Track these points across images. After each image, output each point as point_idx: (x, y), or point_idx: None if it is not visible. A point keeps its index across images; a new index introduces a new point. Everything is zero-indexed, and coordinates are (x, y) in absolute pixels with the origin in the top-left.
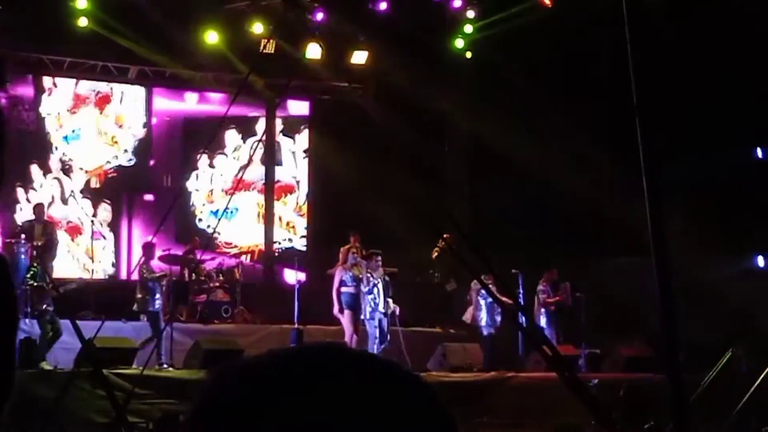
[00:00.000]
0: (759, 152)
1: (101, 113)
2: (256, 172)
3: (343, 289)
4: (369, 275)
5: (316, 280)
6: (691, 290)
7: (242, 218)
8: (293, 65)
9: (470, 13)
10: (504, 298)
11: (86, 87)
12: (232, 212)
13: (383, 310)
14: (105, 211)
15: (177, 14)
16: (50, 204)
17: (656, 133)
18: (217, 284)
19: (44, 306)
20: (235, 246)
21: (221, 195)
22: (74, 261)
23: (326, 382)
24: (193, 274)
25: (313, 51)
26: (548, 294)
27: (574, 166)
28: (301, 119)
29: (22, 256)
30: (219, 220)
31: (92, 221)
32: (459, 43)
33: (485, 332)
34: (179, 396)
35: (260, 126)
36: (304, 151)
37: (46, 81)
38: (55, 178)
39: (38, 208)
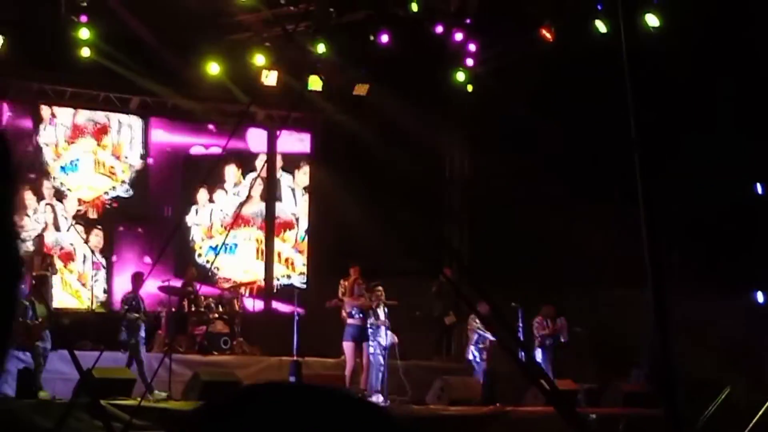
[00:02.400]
0: (759, 188)
1: (99, 144)
2: (255, 208)
3: (350, 321)
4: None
5: (315, 314)
6: (690, 325)
7: (241, 254)
8: (294, 97)
9: (471, 47)
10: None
11: (84, 117)
12: (231, 248)
13: (382, 343)
14: (96, 237)
15: (179, 45)
16: (43, 230)
17: (655, 167)
18: (217, 315)
19: (38, 342)
20: (234, 282)
21: (220, 230)
22: (67, 287)
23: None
24: (193, 306)
25: (314, 83)
26: (543, 326)
27: (574, 199)
28: (301, 156)
29: (22, 287)
30: (216, 255)
31: (92, 250)
32: (460, 76)
33: (478, 367)
34: (177, 427)
35: (260, 161)
36: (304, 188)
37: (45, 111)
38: (48, 204)
39: (38, 240)
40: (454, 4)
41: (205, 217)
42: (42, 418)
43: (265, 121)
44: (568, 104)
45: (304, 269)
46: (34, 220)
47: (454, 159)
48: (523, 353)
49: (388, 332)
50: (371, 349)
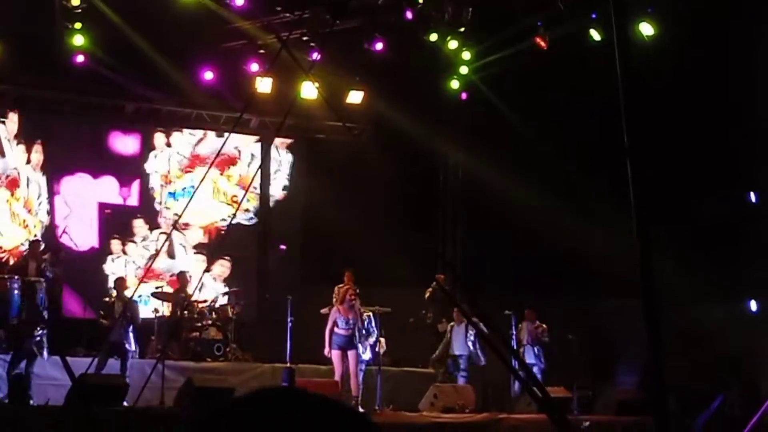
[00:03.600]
0: (752, 196)
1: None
2: (210, 146)
3: (336, 330)
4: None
5: (308, 321)
6: (683, 334)
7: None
8: (288, 105)
9: (466, 55)
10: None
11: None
12: (188, 191)
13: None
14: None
15: (173, 52)
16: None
17: (649, 176)
18: (210, 322)
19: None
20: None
21: (179, 175)
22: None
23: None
24: (186, 312)
25: (309, 91)
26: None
27: (568, 207)
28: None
29: (15, 292)
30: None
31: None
32: (454, 84)
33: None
34: None
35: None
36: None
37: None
38: (163, 232)
39: (33, 245)
40: (449, 12)
41: (164, 163)
42: (35, 424)
43: (258, 129)
44: (563, 112)
45: (249, 206)
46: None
47: (448, 166)
48: (516, 361)
49: (381, 339)
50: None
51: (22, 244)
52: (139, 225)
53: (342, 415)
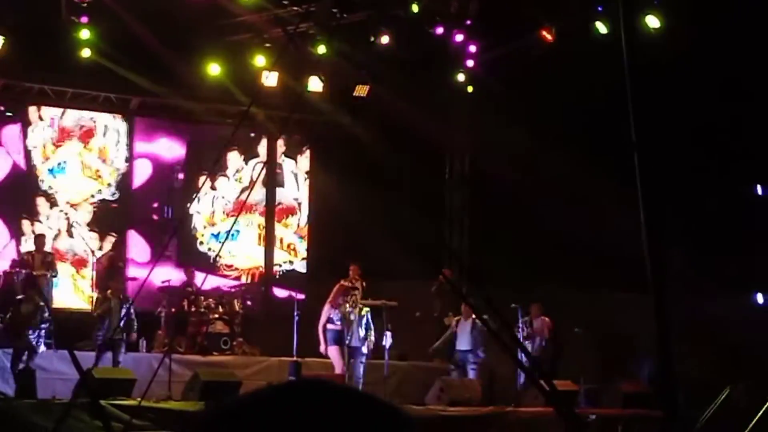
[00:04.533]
0: (759, 189)
1: (85, 147)
2: (257, 194)
3: (330, 326)
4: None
5: (315, 314)
6: (690, 327)
7: (243, 241)
8: (295, 98)
9: (472, 48)
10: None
11: (71, 119)
12: (233, 235)
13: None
14: (110, 243)
15: (179, 46)
16: (57, 236)
17: (656, 168)
18: (217, 316)
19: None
20: (236, 269)
21: (223, 218)
22: (78, 293)
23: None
24: (192, 306)
25: (315, 84)
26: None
27: (575, 199)
28: (302, 142)
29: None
30: (222, 243)
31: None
32: (460, 77)
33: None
34: (177, 427)
35: (262, 147)
36: (306, 173)
37: (32, 113)
38: (62, 210)
39: (39, 239)
40: (455, 5)
41: (207, 205)
42: (41, 418)
43: (265, 123)
44: (569, 105)
45: (306, 254)
46: (47, 226)
47: (454, 160)
48: (522, 354)
49: (387, 332)
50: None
51: (92, 195)
52: (42, 203)
53: (377, 407)
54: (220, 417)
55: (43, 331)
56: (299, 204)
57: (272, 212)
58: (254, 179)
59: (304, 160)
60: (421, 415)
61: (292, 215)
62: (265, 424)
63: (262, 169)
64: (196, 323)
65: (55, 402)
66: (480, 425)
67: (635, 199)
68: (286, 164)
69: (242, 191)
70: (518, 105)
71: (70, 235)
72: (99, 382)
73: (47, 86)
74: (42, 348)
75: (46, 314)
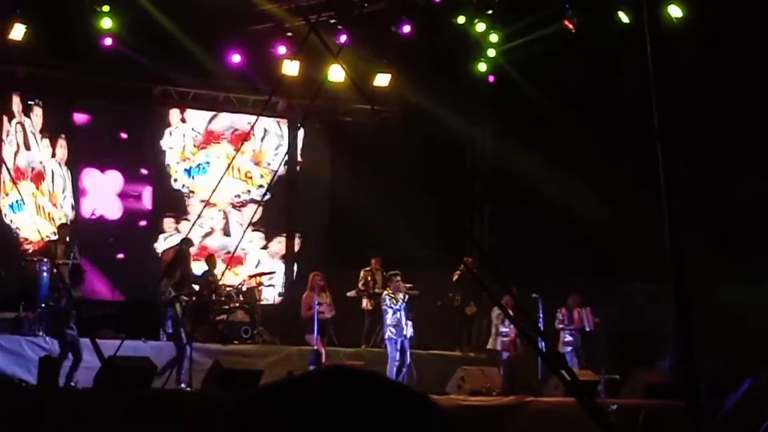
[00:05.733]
0: None
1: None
2: (223, 122)
3: (310, 313)
4: (389, 296)
5: (335, 304)
6: (712, 315)
7: (213, 174)
8: (316, 87)
9: (493, 37)
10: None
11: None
12: (204, 168)
13: (405, 334)
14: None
15: (201, 35)
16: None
17: (677, 158)
18: (237, 305)
19: (64, 328)
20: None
21: (194, 151)
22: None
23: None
24: (213, 295)
25: (336, 73)
26: (560, 320)
27: (596, 189)
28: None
29: (44, 275)
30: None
31: None
32: (482, 66)
33: (503, 356)
34: (198, 416)
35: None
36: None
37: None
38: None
39: (61, 229)
40: None
41: (178, 139)
42: (62, 406)
43: (286, 111)
44: (590, 94)
45: (263, 181)
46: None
47: (475, 149)
48: (543, 343)
49: (409, 322)
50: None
51: (47, 236)
52: (194, 203)
53: (403, 394)
54: (246, 406)
55: (72, 321)
56: (252, 127)
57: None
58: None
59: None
60: (441, 404)
61: (246, 141)
62: (293, 413)
63: (284, 157)
64: (216, 312)
65: (76, 390)
66: (500, 415)
67: (656, 188)
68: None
69: (210, 120)
70: (539, 94)
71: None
72: (120, 370)
73: (68, 74)
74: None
75: (71, 303)
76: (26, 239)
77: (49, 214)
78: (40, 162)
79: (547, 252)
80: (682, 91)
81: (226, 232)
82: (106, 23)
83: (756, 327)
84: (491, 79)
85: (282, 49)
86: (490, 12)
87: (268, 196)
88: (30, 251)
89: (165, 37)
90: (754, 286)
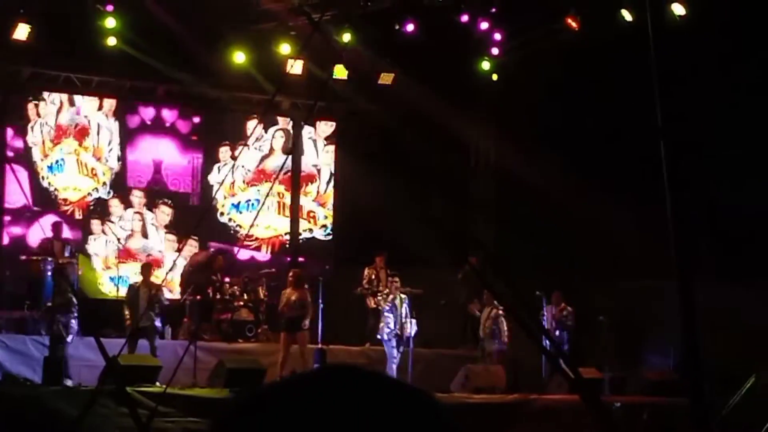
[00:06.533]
0: None
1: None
2: (276, 162)
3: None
4: (382, 297)
5: (340, 302)
6: (715, 313)
7: (262, 211)
8: (320, 86)
9: (497, 36)
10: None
11: (66, 118)
12: (253, 205)
13: (399, 333)
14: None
15: (204, 34)
16: (129, 237)
17: (681, 156)
18: (242, 303)
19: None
20: (256, 239)
21: (243, 187)
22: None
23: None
24: (218, 293)
25: (340, 72)
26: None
27: (598, 188)
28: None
29: (49, 275)
30: (257, 212)
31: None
32: (485, 65)
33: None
34: (202, 414)
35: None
36: (326, 139)
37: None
38: (137, 212)
39: (55, 226)
40: None
41: (227, 175)
42: (67, 404)
43: (290, 111)
44: (593, 93)
45: (326, 222)
46: (120, 227)
47: (479, 148)
48: (547, 341)
49: (410, 321)
50: (384, 337)
51: (89, 194)
52: (115, 204)
53: (408, 394)
54: (247, 406)
55: (73, 319)
56: (318, 170)
57: (297, 180)
58: (273, 145)
59: (323, 126)
60: (445, 402)
61: (311, 183)
62: (295, 413)
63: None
64: (221, 310)
65: (81, 389)
66: (505, 413)
67: (662, 186)
68: (305, 131)
69: (262, 159)
70: (543, 93)
71: (145, 235)
72: (125, 369)
73: (72, 74)
74: (71, 337)
75: (74, 302)
76: (65, 200)
77: (92, 170)
78: (85, 116)
79: (550, 250)
80: (688, 88)
81: (144, 234)
82: (110, 23)
83: (760, 326)
84: (495, 77)
85: (286, 48)
86: (494, 10)
87: (330, 237)
88: (69, 212)
89: (168, 37)
90: (759, 284)
